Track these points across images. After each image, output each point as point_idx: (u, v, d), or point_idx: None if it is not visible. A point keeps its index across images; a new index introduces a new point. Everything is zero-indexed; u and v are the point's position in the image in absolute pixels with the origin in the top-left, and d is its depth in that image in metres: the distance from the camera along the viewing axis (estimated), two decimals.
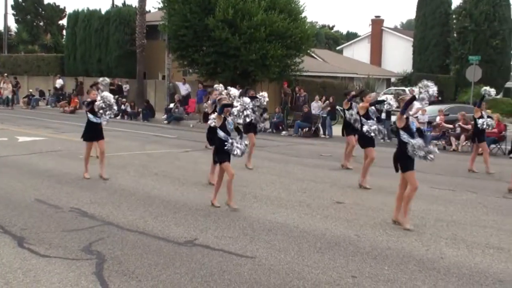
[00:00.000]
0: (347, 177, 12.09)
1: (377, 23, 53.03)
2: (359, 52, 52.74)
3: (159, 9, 30.62)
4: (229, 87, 10.66)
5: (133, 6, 41.28)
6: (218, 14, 25.73)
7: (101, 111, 10.63)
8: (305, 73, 29.81)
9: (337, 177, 12.10)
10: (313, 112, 23.26)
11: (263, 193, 9.99)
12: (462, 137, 18.75)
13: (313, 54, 38.47)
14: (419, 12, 43.22)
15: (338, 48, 62.76)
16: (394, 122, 21.17)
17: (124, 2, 54.89)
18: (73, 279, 5.48)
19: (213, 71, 27.41)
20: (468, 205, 9.61)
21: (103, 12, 37.70)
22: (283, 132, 23.10)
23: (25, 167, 12.04)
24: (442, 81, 34.37)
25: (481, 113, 13.30)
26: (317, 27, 69.29)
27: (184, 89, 29.61)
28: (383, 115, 16.85)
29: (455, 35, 39.32)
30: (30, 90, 34.82)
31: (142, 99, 30.40)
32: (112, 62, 35.99)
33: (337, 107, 25.75)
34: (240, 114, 8.60)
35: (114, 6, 41.37)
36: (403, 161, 7.77)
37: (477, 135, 13.49)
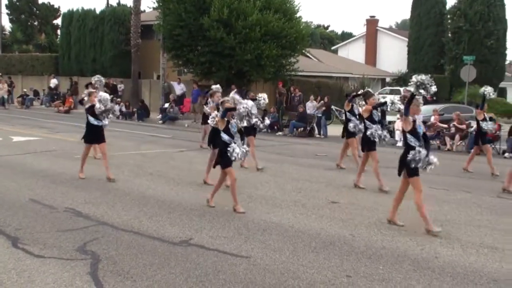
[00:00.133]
0: (342, 177, 12.11)
1: (372, 23, 53.14)
2: (354, 52, 52.83)
3: (154, 8, 30.57)
4: (233, 94, 10.27)
5: (128, 5, 41.21)
6: (213, 14, 25.71)
7: (103, 114, 10.62)
8: (300, 73, 29.83)
9: (332, 177, 12.11)
10: (308, 112, 23.30)
11: (258, 193, 9.99)
12: (457, 137, 18.83)
13: (308, 54, 38.52)
14: (413, 12, 43.29)
15: (333, 48, 62.85)
16: (390, 122, 21.21)
17: (119, 1, 54.59)
18: (68, 279, 5.47)
19: (208, 71, 27.39)
20: (463, 205, 9.64)
21: (97, 11, 37.66)
22: (278, 132, 23.12)
23: (19, 167, 12.01)
24: (436, 81, 34.00)
25: (484, 115, 13.27)
26: (312, 27, 69.45)
27: (179, 88, 29.59)
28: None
29: (449, 35, 39.40)
30: (24, 90, 34.71)
31: (137, 99, 30.37)
32: (106, 61, 35.92)
33: (332, 107, 25.80)
34: (244, 117, 8.54)
35: (109, 5, 41.36)
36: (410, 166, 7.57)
37: (480, 137, 13.41)
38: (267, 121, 13.74)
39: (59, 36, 45.69)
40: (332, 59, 45.83)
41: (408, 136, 7.66)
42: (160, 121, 26.40)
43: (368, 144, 10.63)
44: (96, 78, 12.68)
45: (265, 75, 27.26)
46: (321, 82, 32.47)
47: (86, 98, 11.01)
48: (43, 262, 5.94)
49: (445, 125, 19.74)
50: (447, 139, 19.01)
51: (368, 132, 10.52)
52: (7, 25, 57.52)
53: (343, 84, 35.26)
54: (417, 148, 7.51)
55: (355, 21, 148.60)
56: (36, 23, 55.77)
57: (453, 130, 19.15)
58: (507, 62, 45.33)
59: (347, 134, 12.77)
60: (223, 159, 8.51)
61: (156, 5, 28.86)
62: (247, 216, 8.24)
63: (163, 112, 27.06)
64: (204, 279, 5.58)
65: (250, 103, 8.74)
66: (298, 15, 28.99)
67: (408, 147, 7.65)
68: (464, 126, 19.08)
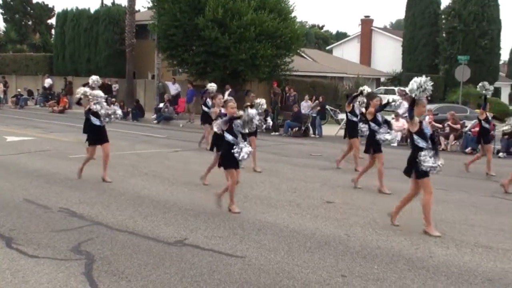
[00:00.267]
0: (337, 176, 12.12)
1: (366, 23, 53.25)
2: (349, 52, 52.92)
3: (148, 8, 30.49)
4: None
5: (123, 5, 41.15)
6: (208, 14, 25.68)
7: (107, 118, 10.50)
8: (295, 73, 29.83)
9: (327, 177, 12.12)
10: (303, 111, 23.31)
11: (253, 193, 9.98)
12: (451, 136, 18.88)
13: (303, 54, 38.52)
14: (408, 12, 43.40)
15: (328, 48, 62.95)
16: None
17: (114, 1, 54.62)
18: (62, 280, 5.45)
19: (203, 71, 27.35)
20: (457, 204, 9.67)
21: (92, 11, 37.53)
22: (273, 132, 23.11)
23: (13, 167, 11.96)
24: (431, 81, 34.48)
25: (486, 114, 13.28)
26: (307, 27, 69.57)
27: (173, 88, 29.55)
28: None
29: (444, 35, 39.55)
30: (19, 90, 34.61)
31: (131, 98, 30.32)
32: (101, 61, 35.82)
33: (327, 106, 25.82)
34: (247, 124, 8.46)
35: (103, 5, 41.21)
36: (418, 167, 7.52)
37: (483, 136, 13.40)
38: (270, 122, 13.82)
39: (53, 36, 45.55)
40: (326, 59, 45.88)
41: (415, 137, 7.61)
42: (155, 121, 26.37)
43: (374, 146, 10.59)
44: (94, 78, 12.50)
45: (260, 75, 27.24)
46: (315, 82, 32.48)
47: (82, 97, 10.73)
48: (37, 262, 5.92)
49: (440, 125, 19.79)
50: (442, 139, 19.05)
51: (378, 137, 10.44)
52: (1, 25, 57.60)
53: (338, 84, 35.31)
54: (428, 154, 7.40)
55: (349, 21, 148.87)
56: (30, 22, 55.60)
57: (447, 130, 19.20)
58: (501, 62, 45.58)
59: (349, 134, 12.78)
60: (226, 161, 8.38)
61: (150, 4, 28.81)
62: (242, 216, 8.24)
63: (157, 112, 27.03)
64: (199, 279, 5.57)
65: (254, 112, 8.66)
66: (292, 15, 28.99)
67: (415, 148, 7.62)
68: (458, 126, 19.14)
